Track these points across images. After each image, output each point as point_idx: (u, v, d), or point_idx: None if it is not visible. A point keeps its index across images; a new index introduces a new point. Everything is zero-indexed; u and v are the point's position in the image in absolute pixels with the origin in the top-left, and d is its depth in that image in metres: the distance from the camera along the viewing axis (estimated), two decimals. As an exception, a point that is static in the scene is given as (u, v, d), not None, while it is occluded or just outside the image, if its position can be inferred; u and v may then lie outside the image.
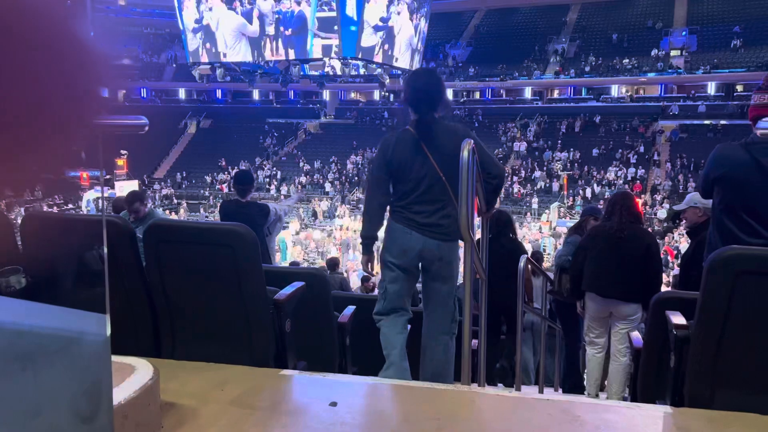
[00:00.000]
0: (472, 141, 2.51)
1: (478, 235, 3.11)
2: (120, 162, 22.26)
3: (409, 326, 3.03)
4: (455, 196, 2.67)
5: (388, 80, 16.99)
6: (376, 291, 3.94)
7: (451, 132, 2.90)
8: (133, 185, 23.19)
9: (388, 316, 2.96)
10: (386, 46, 15.64)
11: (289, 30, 15.20)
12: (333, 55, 15.06)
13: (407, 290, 3.01)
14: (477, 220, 3.08)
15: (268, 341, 2.40)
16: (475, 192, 2.58)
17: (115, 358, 1.36)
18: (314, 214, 26.19)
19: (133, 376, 1.65)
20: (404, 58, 16.47)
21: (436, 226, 2.89)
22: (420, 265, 2.97)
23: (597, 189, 25.30)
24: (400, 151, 2.93)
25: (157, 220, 2.74)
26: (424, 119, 2.92)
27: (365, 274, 4.93)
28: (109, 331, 1.04)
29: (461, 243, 2.58)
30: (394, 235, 2.96)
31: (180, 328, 2.45)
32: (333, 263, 9.17)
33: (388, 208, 3.05)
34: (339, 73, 16.01)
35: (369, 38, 15.18)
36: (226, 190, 29.16)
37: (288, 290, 2.51)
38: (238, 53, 15.89)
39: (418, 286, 3.17)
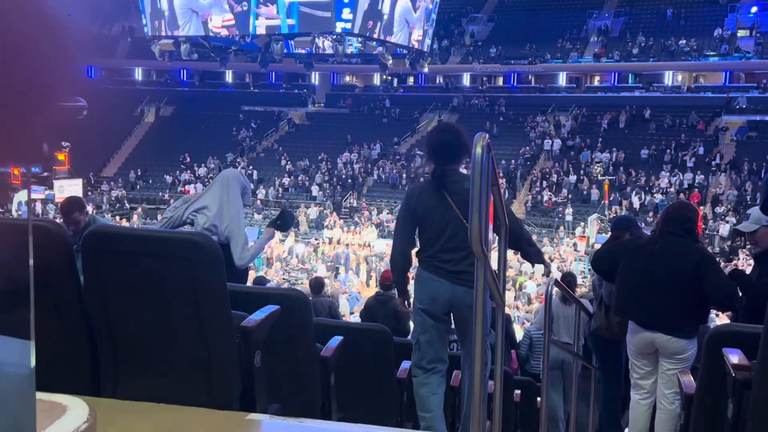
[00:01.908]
0: (487, 135, 2.56)
1: (494, 257, 3.20)
2: (61, 156, 22.08)
3: (444, 382, 3.69)
4: None
5: (390, 61, 17.07)
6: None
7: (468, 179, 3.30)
8: (77, 185, 23.22)
9: (425, 372, 3.66)
10: (371, 23, 15.72)
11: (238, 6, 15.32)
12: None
13: (439, 338, 3.71)
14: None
15: (232, 378, 2.40)
16: (490, 197, 2.61)
17: (41, 396, 1.36)
18: (297, 224, 26.23)
19: (64, 418, 1.65)
20: (400, 35, 16.54)
21: (465, 273, 3.44)
22: (450, 314, 3.69)
23: (645, 198, 25.35)
24: (423, 199, 3.74)
25: (98, 226, 2.75)
26: (439, 169, 3.70)
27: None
28: (33, 362, 1.04)
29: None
30: (423, 282, 3.70)
31: (124, 361, 2.45)
32: (318, 284, 9.15)
33: (414, 256, 3.86)
34: (330, 51, 16.09)
35: (361, 11, 15.25)
36: (191, 191, 29.24)
37: (259, 315, 2.51)
38: (189, 29, 16.03)
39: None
